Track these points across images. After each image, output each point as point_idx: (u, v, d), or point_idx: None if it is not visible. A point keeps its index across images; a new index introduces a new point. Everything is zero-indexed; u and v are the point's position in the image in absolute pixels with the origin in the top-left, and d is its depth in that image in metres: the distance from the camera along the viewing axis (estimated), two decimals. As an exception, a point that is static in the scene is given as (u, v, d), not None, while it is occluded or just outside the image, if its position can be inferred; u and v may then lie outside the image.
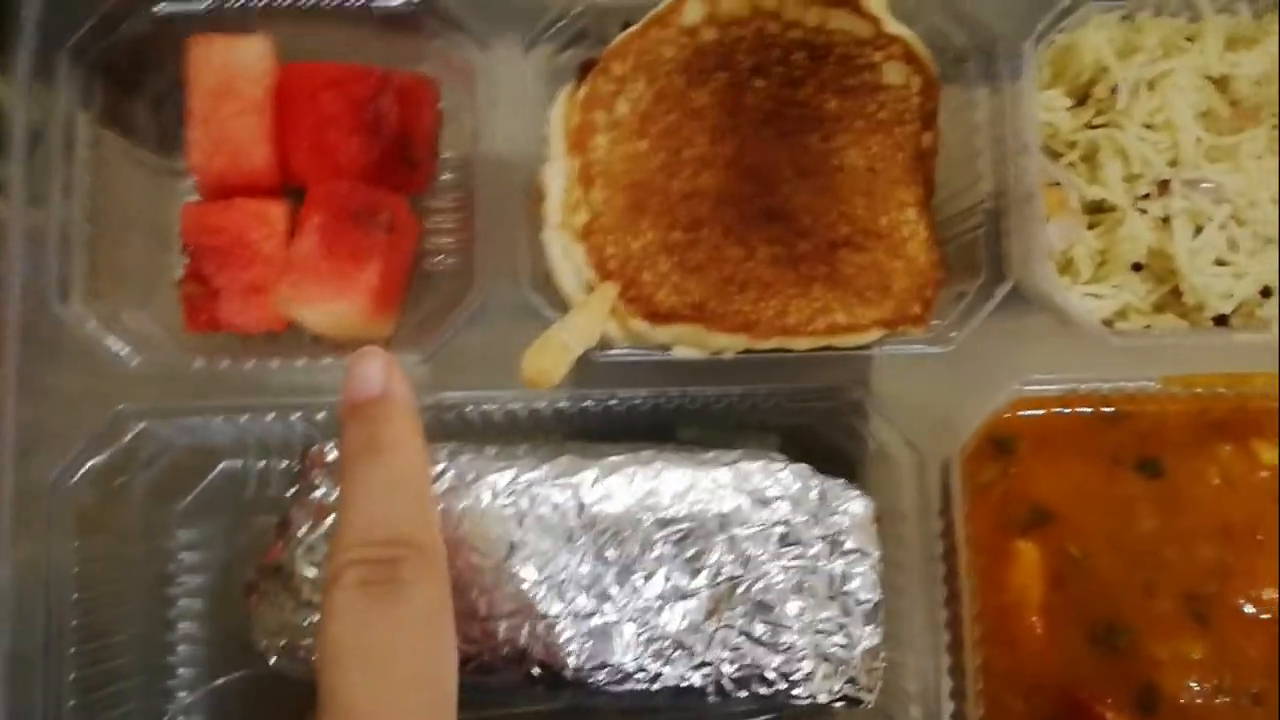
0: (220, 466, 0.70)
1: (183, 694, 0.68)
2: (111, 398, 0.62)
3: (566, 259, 0.65)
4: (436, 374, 0.65)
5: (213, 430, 0.66)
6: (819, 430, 0.72)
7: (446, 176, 0.73)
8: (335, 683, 0.40)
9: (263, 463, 0.71)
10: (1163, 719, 0.68)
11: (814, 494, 0.64)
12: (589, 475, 0.62)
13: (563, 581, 0.61)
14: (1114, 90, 0.70)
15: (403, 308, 0.71)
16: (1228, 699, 0.68)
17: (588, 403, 0.66)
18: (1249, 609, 0.69)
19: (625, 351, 0.66)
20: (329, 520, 0.61)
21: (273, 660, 0.62)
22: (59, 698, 0.60)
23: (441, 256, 0.73)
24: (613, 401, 0.67)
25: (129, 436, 0.62)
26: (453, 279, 0.72)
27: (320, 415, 0.64)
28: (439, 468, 0.62)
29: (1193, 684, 0.67)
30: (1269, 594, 0.69)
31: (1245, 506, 0.70)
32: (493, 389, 0.65)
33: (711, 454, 0.65)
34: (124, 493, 0.65)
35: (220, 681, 0.67)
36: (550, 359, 0.62)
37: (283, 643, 0.61)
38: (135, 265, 0.68)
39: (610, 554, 0.62)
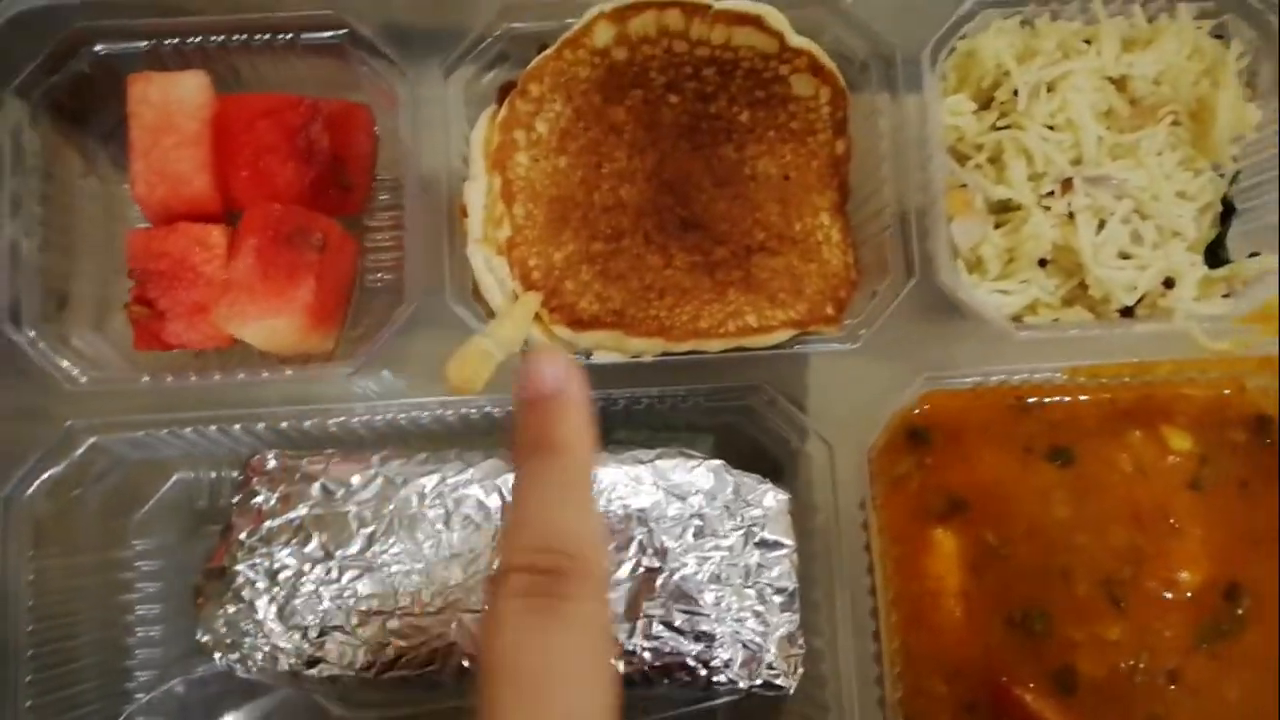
0: (174, 478, 0.74)
1: (140, 695, 0.71)
2: (62, 415, 0.66)
3: (490, 271, 0.69)
4: (364, 384, 0.69)
5: (162, 444, 0.70)
6: (746, 429, 0.75)
7: (384, 197, 0.77)
8: (492, 701, 0.40)
9: (214, 473, 0.74)
10: (1081, 699, 0.70)
11: (729, 489, 0.67)
12: (511, 477, 0.66)
13: (489, 576, 0.64)
14: (1015, 93, 0.73)
15: (344, 323, 0.74)
16: (1144, 678, 0.70)
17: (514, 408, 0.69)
18: (1163, 592, 0.71)
19: (547, 358, 0.69)
20: (267, 524, 0.65)
21: (218, 658, 0.65)
22: (15, 699, 0.63)
23: (380, 274, 0.76)
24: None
25: (80, 451, 0.66)
26: (392, 294, 0.75)
27: (260, 426, 0.68)
28: (369, 473, 0.66)
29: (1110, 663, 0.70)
30: (1183, 575, 0.72)
31: (1156, 492, 0.72)
32: (423, 397, 0.68)
33: (630, 453, 0.68)
34: (79, 505, 0.69)
35: (174, 683, 0.70)
36: (472, 366, 0.65)
37: (229, 641, 0.65)
38: (88, 289, 0.72)
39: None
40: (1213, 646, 0.71)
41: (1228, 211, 0.77)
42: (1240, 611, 0.71)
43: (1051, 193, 0.73)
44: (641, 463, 0.67)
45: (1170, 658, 0.70)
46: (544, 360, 0.46)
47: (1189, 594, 0.71)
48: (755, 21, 0.71)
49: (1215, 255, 0.76)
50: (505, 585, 0.41)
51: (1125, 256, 0.73)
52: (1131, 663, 0.70)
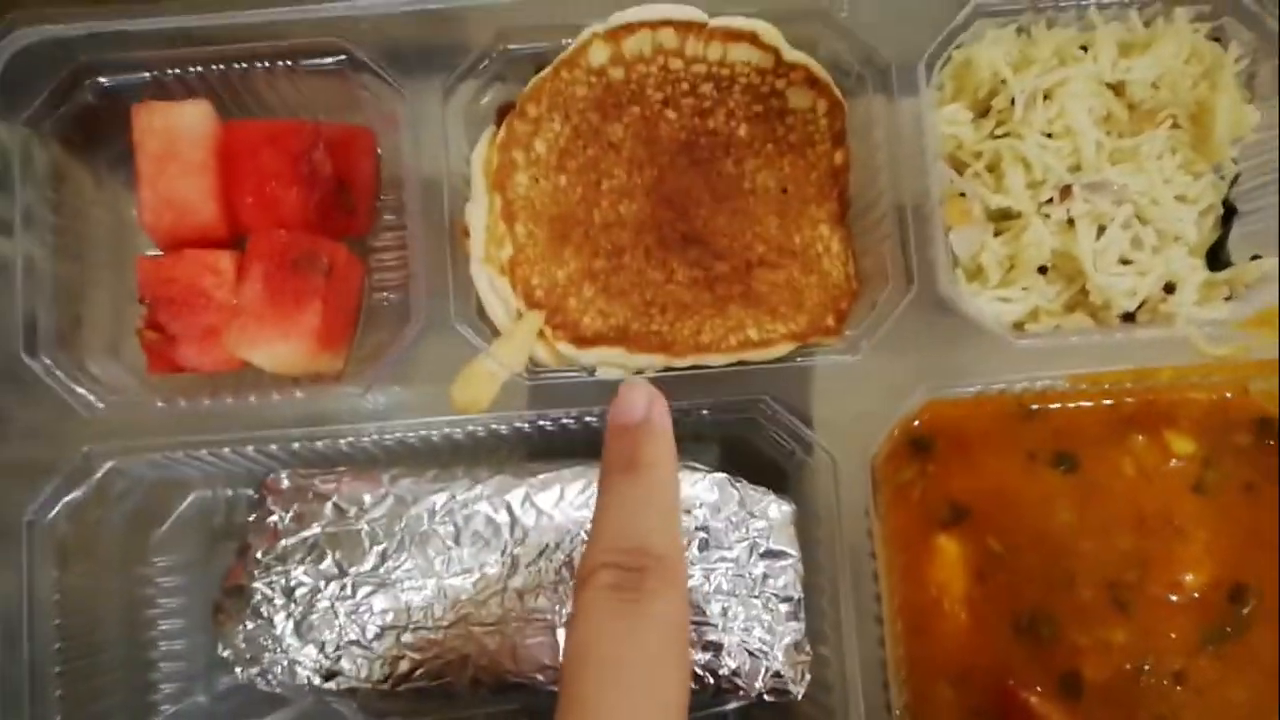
0: (191, 497, 0.76)
1: (165, 707, 0.73)
2: (80, 439, 0.68)
3: (493, 291, 0.70)
4: (375, 403, 0.70)
5: (179, 465, 0.71)
6: (751, 441, 0.75)
7: (388, 218, 0.78)
8: (574, 685, 0.42)
9: (230, 491, 0.76)
10: (1087, 703, 0.71)
11: (734, 501, 0.68)
12: (519, 494, 0.67)
13: (500, 591, 0.65)
14: (1012, 102, 0.73)
15: (352, 343, 0.76)
16: (1150, 680, 0.71)
17: (521, 425, 0.70)
18: (1168, 595, 0.72)
19: (552, 373, 0.70)
20: (283, 543, 0.67)
21: (239, 673, 0.67)
22: (46, 715, 0.65)
23: (386, 294, 0.77)
24: (545, 423, 0.71)
25: (98, 475, 0.68)
26: (398, 314, 0.76)
27: (273, 446, 0.69)
28: (380, 492, 0.67)
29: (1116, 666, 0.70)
30: (1187, 578, 0.72)
31: (1160, 496, 0.73)
32: (431, 416, 0.70)
33: (635, 467, 0.69)
34: (100, 526, 0.71)
35: (199, 696, 0.72)
36: (477, 386, 0.67)
37: (249, 656, 0.66)
38: (101, 315, 0.74)
39: (542, 565, 0.66)
40: (1218, 648, 0.71)
41: (1229, 214, 0.77)
42: (1245, 612, 0.71)
43: (1050, 200, 0.73)
44: (646, 477, 0.68)
45: (1176, 660, 0.71)
46: (632, 391, 0.51)
47: (1194, 595, 0.72)
48: (750, 37, 0.71)
49: (1217, 258, 0.77)
50: (593, 579, 0.44)
51: (1125, 262, 0.73)
52: (1137, 666, 0.71)
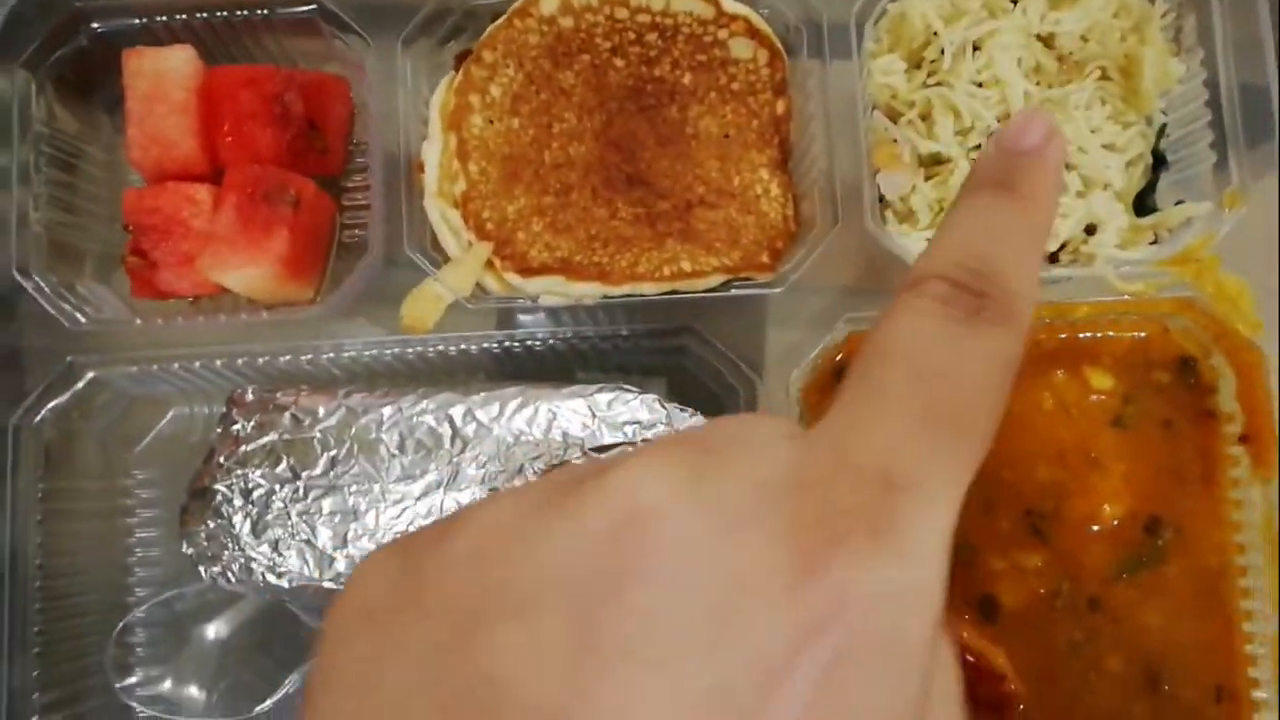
0: (170, 414, 0.82)
1: (138, 609, 0.79)
2: (65, 352, 0.74)
3: (445, 223, 0.75)
4: (336, 327, 0.75)
5: (157, 380, 0.77)
6: (693, 372, 0.80)
7: (359, 160, 0.84)
8: (869, 374, 0.33)
9: (207, 409, 0.82)
10: (1004, 625, 0.74)
11: (661, 420, 0.72)
12: (460, 408, 0.72)
13: (440, 497, 0.70)
14: (943, 52, 0.77)
15: (324, 275, 0.81)
16: (1065, 604, 0.73)
17: (467, 347, 0.75)
18: (1085, 524, 0.74)
19: (498, 299, 0.75)
20: (243, 448, 0.72)
21: (202, 570, 0.72)
22: (25, 606, 0.71)
23: (356, 230, 0.83)
24: (492, 345, 0.76)
25: (81, 384, 0.74)
26: (366, 249, 0.82)
27: (239, 361, 0.75)
28: (334, 404, 0.73)
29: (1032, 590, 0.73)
30: (1105, 509, 0.75)
31: (1080, 429, 0.76)
32: (386, 336, 0.75)
33: (572, 388, 0.73)
34: (83, 436, 0.77)
35: (166, 596, 0.78)
36: (424, 307, 0.72)
37: (210, 554, 0.72)
38: (93, 246, 0.80)
39: (481, 472, 0.71)
40: (1134, 577, 0.74)
41: (1160, 164, 0.80)
42: (1161, 543, 0.74)
43: (979, 146, 0.77)
44: (582, 396, 0.72)
45: (1092, 586, 0.74)
46: (1031, 119, 0.38)
47: (1112, 524, 0.74)
48: (690, -12, 0.76)
49: (1146, 206, 0.80)
50: (921, 287, 0.34)
51: (1049, 205, 0.76)
52: (1053, 591, 0.74)
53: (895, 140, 0.78)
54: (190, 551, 0.72)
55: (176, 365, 0.74)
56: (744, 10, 0.77)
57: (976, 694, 0.72)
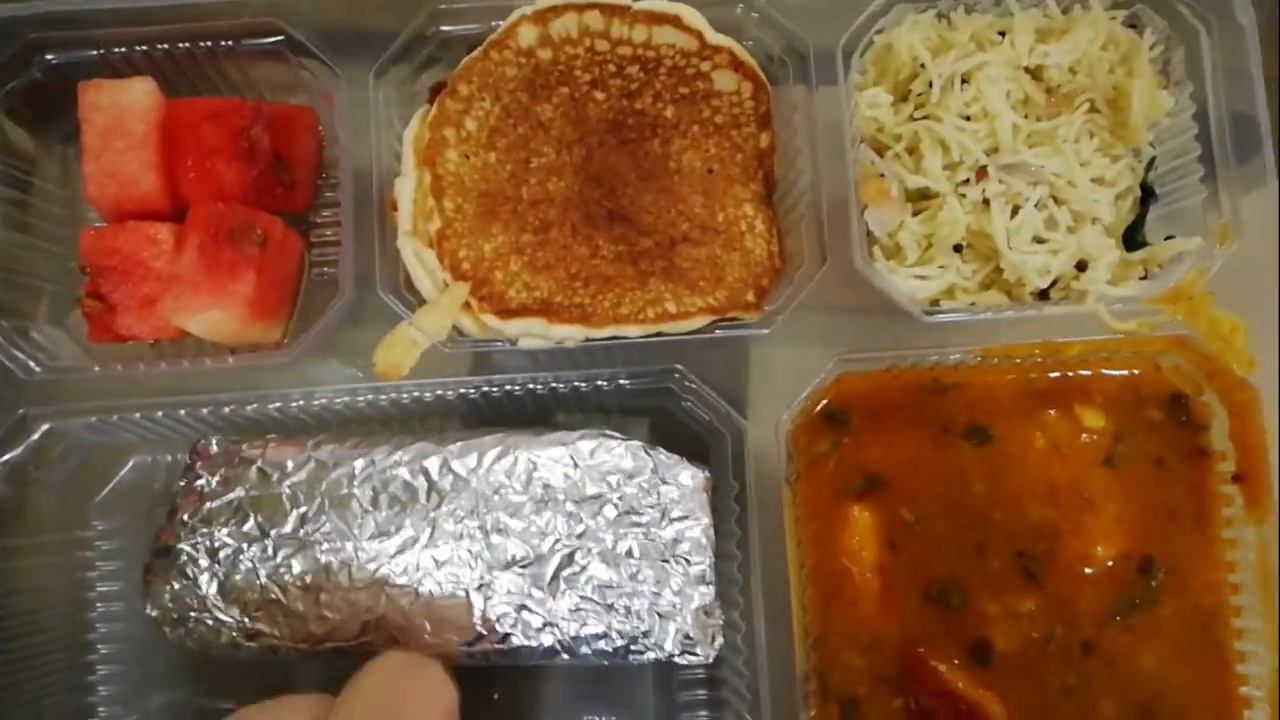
0: (131, 462, 0.78)
1: (99, 666, 0.76)
2: (18, 403, 0.70)
3: (419, 263, 0.72)
4: (306, 371, 0.72)
5: (117, 429, 0.74)
6: (675, 413, 0.77)
7: (328, 194, 0.81)
8: None
9: (170, 457, 0.78)
10: (997, 670, 0.72)
11: (647, 468, 0.70)
12: (436, 460, 0.69)
13: (416, 554, 0.67)
14: (931, 85, 0.75)
15: (291, 315, 0.78)
16: (1058, 649, 0.72)
17: (444, 393, 0.72)
18: (1078, 566, 0.73)
19: (475, 343, 0.72)
20: (208, 505, 0.69)
21: (167, 632, 0.69)
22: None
23: (325, 268, 0.80)
24: (469, 391, 0.73)
25: (35, 436, 0.70)
26: (336, 287, 0.78)
27: (204, 411, 0.72)
28: (303, 457, 0.69)
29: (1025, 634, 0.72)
30: (1097, 550, 0.73)
31: (1071, 468, 0.74)
32: (357, 384, 0.72)
33: (553, 435, 0.71)
34: (39, 489, 0.74)
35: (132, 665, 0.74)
36: (398, 352, 0.69)
37: (175, 616, 0.69)
38: (48, 287, 0.76)
39: (459, 528, 0.68)
40: (1127, 619, 0.73)
41: (1149, 197, 0.79)
42: (1154, 584, 0.73)
43: (968, 181, 0.75)
44: (564, 444, 0.70)
45: (1085, 629, 0.72)
46: None
47: (1106, 565, 0.73)
48: (673, 21, 0.74)
49: (1134, 240, 0.78)
50: None
51: (1040, 240, 0.75)
52: (1046, 635, 0.72)
53: (882, 175, 0.76)
54: (154, 613, 0.69)
55: (138, 415, 0.71)
56: (728, 42, 0.74)
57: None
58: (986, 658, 0.72)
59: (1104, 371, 0.75)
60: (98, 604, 0.77)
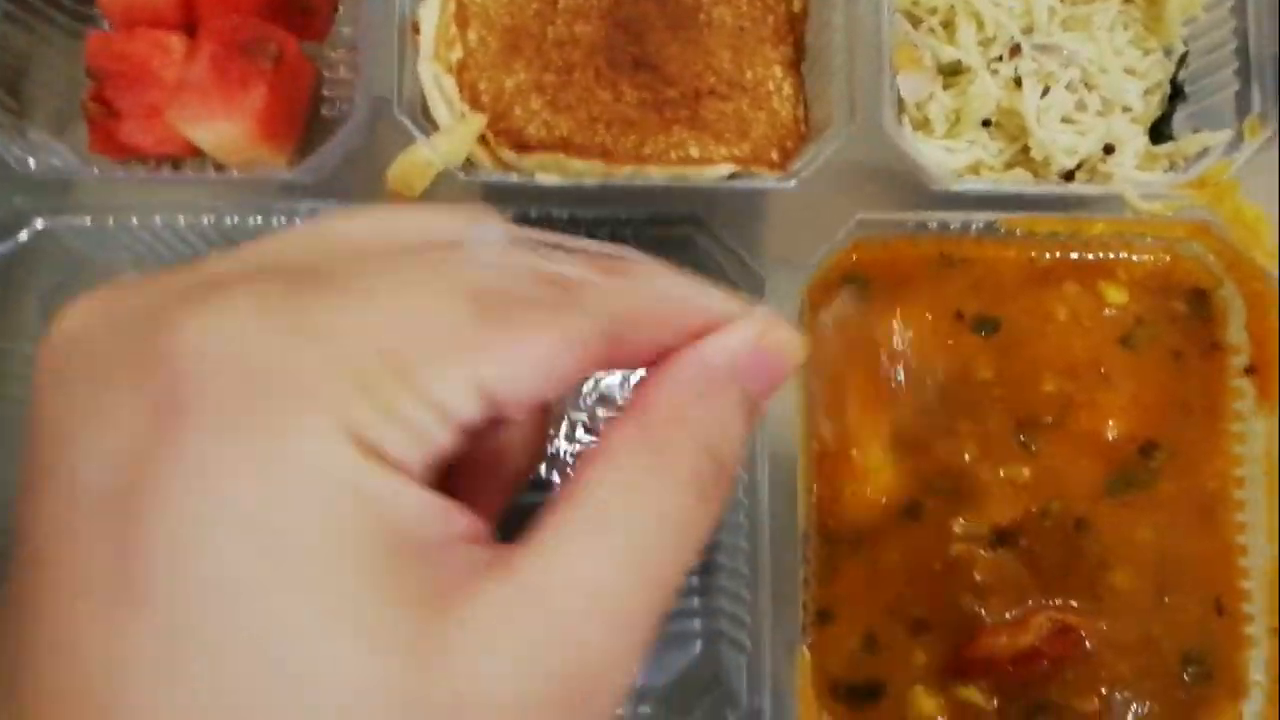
0: (122, 276, 0.75)
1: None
2: (13, 200, 0.67)
3: (438, 89, 0.70)
4: (317, 190, 0.70)
5: (110, 238, 0.71)
6: (692, 264, 0.75)
7: (345, 30, 0.78)
8: None
9: (162, 280, 0.76)
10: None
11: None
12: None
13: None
14: (969, -43, 0.74)
15: (299, 144, 0.76)
16: (1054, 523, 0.71)
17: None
18: (1084, 437, 0.72)
19: (489, 175, 0.70)
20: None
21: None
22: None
23: (338, 103, 0.77)
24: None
25: (25, 235, 0.67)
26: (348, 121, 0.76)
27: (205, 220, 0.69)
28: (307, 270, 0.67)
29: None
30: (1109, 423, 0.72)
31: (1090, 343, 0.73)
32: (365, 203, 0.70)
33: (566, 271, 0.69)
34: (24, 290, 0.71)
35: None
36: (411, 172, 0.67)
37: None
38: (51, 92, 0.73)
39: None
40: (1123, 496, 0.71)
41: (1176, 96, 0.78)
42: (1153, 466, 0.72)
43: (1000, 58, 0.74)
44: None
45: (1080, 504, 0.71)
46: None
47: (1109, 439, 0.72)
48: None
49: (1161, 135, 0.78)
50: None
51: (1068, 121, 0.74)
52: (1040, 507, 0.71)
53: (916, 45, 0.75)
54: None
55: (135, 221, 0.68)
56: (767, -103, 0.73)
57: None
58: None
59: (1130, 256, 0.74)
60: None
